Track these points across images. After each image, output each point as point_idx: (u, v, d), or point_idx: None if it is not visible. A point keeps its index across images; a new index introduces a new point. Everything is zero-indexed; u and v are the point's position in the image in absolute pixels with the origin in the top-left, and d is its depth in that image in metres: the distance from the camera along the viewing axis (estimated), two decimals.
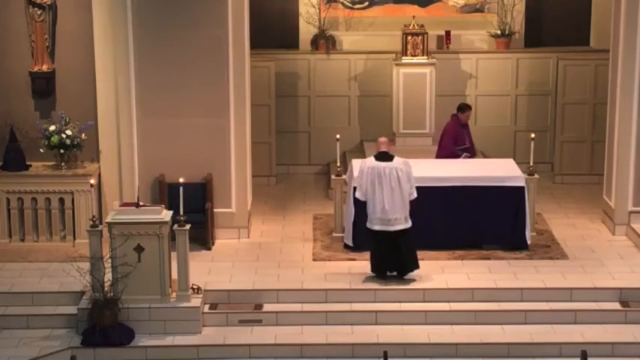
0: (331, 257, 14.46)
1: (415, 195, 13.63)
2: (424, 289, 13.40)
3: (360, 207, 14.24)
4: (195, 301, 13.04)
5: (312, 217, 16.17)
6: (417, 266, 13.70)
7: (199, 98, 14.79)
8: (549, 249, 14.73)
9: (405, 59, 17.88)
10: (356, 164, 14.92)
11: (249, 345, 12.63)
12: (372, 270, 13.73)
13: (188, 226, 12.93)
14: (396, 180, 13.51)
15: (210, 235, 14.84)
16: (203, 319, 13.00)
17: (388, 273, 13.65)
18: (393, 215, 13.49)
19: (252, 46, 15.87)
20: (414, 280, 13.61)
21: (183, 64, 14.68)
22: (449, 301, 13.28)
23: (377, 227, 13.56)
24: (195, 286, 13.19)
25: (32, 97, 14.88)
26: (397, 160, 13.63)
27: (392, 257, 13.59)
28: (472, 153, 16.04)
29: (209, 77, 14.74)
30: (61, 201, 14.78)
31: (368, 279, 13.66)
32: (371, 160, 13.72)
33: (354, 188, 14.40)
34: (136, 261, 12.76)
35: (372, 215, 13.58)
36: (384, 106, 18.31)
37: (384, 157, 13.67)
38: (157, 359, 12.53)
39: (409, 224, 13.58)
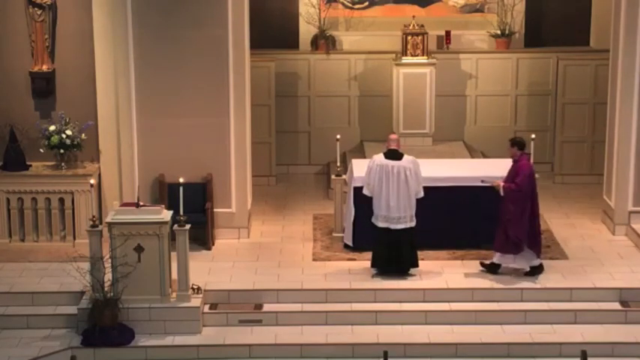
0: (331, 257, 14.45)
1: (422, 194, 13.65)
2: (424, 289, 13.40)
3: (361, 207, 14.24)
4: (195, 301, 13.03)
5: (312, 217, 16.16)
6: (416, 265, 13.74)
7: (199, 98, 14.78)
8: (549, 249, 14.71)
9: (405, 59, 17.88)
10: (356, 164, 14.92)
11: (249, 345, 12.62)
12: (372, 264, 13.76)
13: (188, 226, 12.92)
14: (403, 179, 13.53)
15: (210, 235, 14.83)
16: (203, 319, 13.00)
17: (387, 267, 13.73)
18: (397, 214, 13.52)
19: (252, 46, 15.86)
20: (414, 280, 13.61)
21: (183, 64, 14.67)
22: (449, 301, 13.28)
23: (381, 224, 13.59)
24: (195, 286, 13.18)
25: (32, 97, 14.87)
26: (406, 159, 13.65)
27: (393, 254, 13.63)
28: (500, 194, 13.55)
29: (209, 77, 14.73)
30: (61, 201, 14.77)
31: (368, 279, 13.66)
32: (380, 158, 13.73)
33: (354, 188, 14.41)
34: (136, 261, 12.76)
35: (377, 212, 13.63)
36: (384, 106, 18.29)
37: (393, 154, 13.68)
38: (157, 359, 12.54)
39: (413, 223, 13.61)
